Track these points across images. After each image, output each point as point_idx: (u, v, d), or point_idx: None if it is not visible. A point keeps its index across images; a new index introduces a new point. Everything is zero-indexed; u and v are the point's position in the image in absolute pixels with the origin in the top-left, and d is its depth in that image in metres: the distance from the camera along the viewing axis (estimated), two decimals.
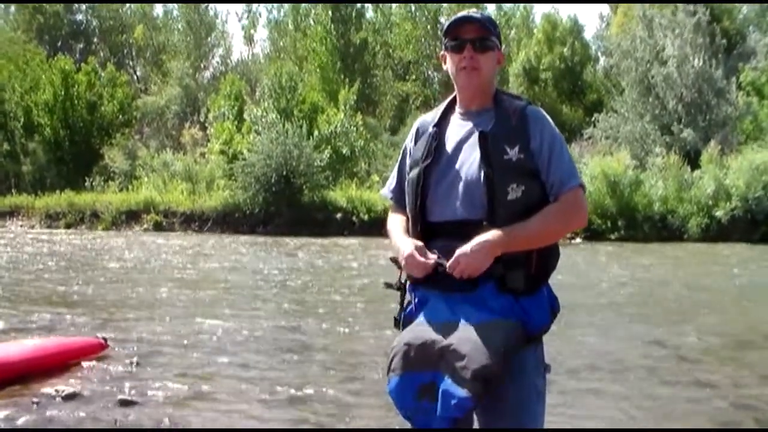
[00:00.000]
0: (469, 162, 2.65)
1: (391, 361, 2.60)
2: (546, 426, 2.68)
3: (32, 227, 32.77)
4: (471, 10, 2.83)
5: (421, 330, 2.60)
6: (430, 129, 2.80)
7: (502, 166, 2.59)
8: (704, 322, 9.58)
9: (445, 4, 50.31)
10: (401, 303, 2.79)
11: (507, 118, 2.67)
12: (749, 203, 24.07)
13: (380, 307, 9.72)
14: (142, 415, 5.44)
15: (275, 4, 61.98)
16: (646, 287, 13.27)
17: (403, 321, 2.76)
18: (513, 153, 2.59)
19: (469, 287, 2.57)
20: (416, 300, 2.74)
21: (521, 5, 52.18)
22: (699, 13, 32.23)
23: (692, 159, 27.95)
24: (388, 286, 2.86)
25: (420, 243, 2.66)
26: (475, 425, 2.67)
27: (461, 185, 2.64)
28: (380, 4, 52.00)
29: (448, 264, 2.55)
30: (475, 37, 2.69)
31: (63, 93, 41.04)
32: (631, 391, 6.23)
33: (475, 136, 2.67)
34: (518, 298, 2.57)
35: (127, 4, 59.92)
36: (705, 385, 6.40)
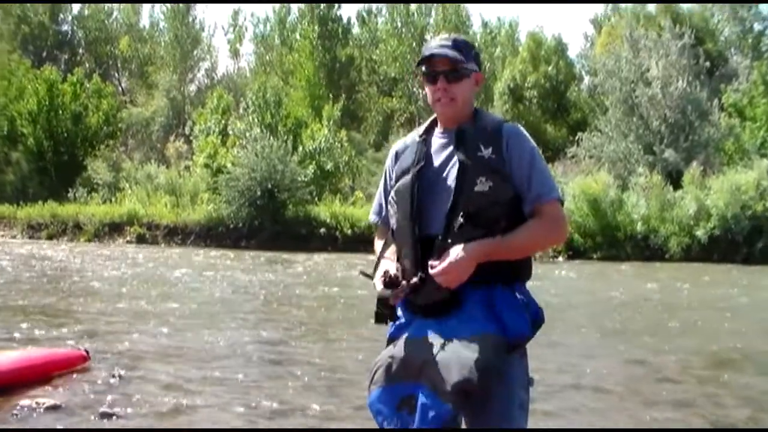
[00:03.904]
0: (451, 175, 2.71)
1: (374, 374, 2.68)
2: None
3: (14, 237, 32.53)
4: (444, 37, 2.83)
5: (405, 344, 2.67)
6: (417, 138, 2.87)
7: (474, 160, 2.66)
8: (685, 342, 9.66)
9: (431, 20, 50.59)
10: (384, 312, 2.79)
11: (484, 126, 2.75)
12: (729, 223, 24.27)
13: (362, 322, 9.73)
14: (123, 427, 5.43)
15: (261, 18, 62.15)
16: (627, 306, 13.34)
17: (389, 338, 2.80)
18: (486, 152, 2.67)
19: (455, 308, 2.62)
20: (403, 319, 2.78)
21: (506, 24, 52.50)
22: (685, 36, 32.58)
23: (674, 179, 28.15)
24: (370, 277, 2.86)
25: (394, 271, 2.71)
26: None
27: (446, 197, 2.68)
28: (366, 22, 52.22)
29: (434, 269, 2.60)
30: (448, 69, 2.75)
31: (47, 103, 40.84)
32: (612, 410, 6.27)
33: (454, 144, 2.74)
34: (496, 309, 2.61)
35: (113, 16, 59.79)
36: (684, 405, 6.45)
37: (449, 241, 2.61)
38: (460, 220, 2.61)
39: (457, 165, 2.69)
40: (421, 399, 2.54)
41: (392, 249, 2.86)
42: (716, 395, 6.83)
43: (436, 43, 2.80)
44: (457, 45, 2.77)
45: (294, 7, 52.98)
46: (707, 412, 6.24)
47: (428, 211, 2.71)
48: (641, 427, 5.85)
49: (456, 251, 2.58)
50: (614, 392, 6.91)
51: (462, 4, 51.27)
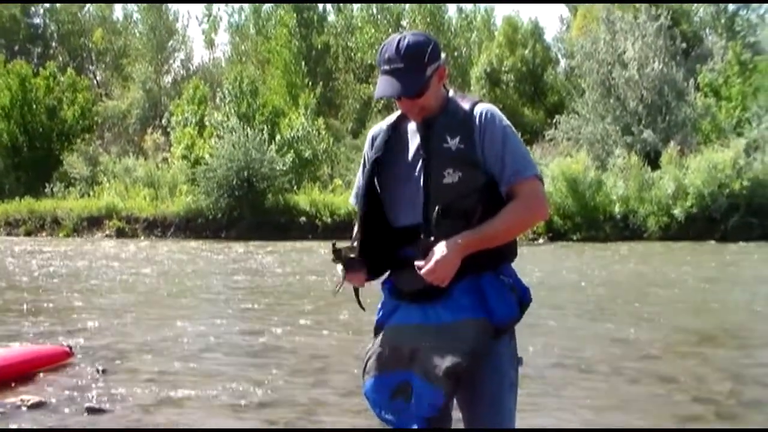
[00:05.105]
0: (420, 166, 2.67)
1: (366, 363, 2.69)
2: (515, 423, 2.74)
3: None
4: (391, 56, 2.61)
5: (393, 333, 2.68)
6: (385, 126, 2.83)
7: (439, 153, 2.61)
8: (666, 320, 9.75)
9: (407, 7, 50.40)
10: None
11: (455, 112, 2.67)
12: (706, 202, 24.49)
13: (345, 310, 9.74)
14: (109, 422, 5.41)
15: (236, 7, 61.65)
16: (608, 286, 13.44)
17: (376, 325, 2.80)
18: (453, 143, 2.60)
19: (443, 294, 2.60)
20: (389, 306, 2.78)
21: (482, 9, 52.41)
22: (661, 17, 32.70)
23: (652, 159, 28.34)
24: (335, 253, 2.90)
25: (351, 255, 2.80)
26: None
27: (416, 188, 2.66)
28: (342, 9, 51.96)
29: (422, 270, 2.57)
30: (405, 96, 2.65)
31: (21, 98, 40.42)
32: (596, 389, 6.32)
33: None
34: (484, 294, 2.61)
35: (86, 8, 59.07)
36: (667, 381, 6.52)
37: (431, 237, 2.57)
38: (435, 215, 2.57)
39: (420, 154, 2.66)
40: (416, 387, 2.55)
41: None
42: (698, 370, 6.90)
43: (386, 67, 2.63)
44: (407, 60, 2.60)
45: None
46: (690, 387, 6.31)
47: (398, 201, 2.70)
48: (631, 409, 5.90)
49: (440, 250, 2.53)
50: (598, 370, 6.96)
51: None
